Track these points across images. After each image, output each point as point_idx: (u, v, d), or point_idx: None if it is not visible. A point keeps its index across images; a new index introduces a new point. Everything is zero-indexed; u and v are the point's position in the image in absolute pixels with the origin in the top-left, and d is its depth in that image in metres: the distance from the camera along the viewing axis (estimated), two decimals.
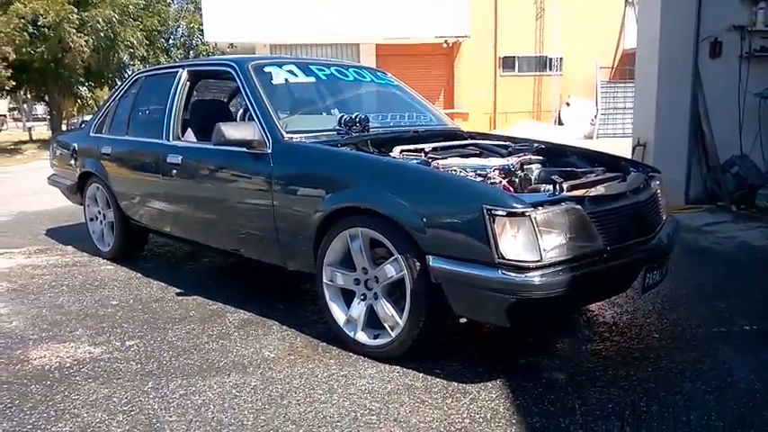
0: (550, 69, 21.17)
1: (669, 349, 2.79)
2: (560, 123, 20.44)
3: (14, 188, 9.59)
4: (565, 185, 2.53)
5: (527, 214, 2.24)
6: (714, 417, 2.17)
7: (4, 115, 36.81)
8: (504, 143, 3.56)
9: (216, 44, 20.26)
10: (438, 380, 2.50)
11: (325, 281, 2.87)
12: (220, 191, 3.48)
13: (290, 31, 17.25)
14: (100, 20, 17.69)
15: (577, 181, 2.75)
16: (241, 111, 3.84)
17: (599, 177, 2.89)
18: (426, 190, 2.56)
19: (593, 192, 2.62)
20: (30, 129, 26.51)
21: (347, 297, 2.84)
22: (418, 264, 2.47)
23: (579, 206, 2.38)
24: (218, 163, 3.47)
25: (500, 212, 2.25)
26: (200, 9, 20.62)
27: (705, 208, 5.99)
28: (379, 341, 2.69)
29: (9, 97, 25.95)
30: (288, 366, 2.67)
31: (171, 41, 25.85)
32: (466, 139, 3.66)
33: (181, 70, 4.06)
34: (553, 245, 2.28)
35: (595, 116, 19.01)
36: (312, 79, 3.75)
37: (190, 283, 3.97)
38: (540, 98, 21.49)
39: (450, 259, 2.38)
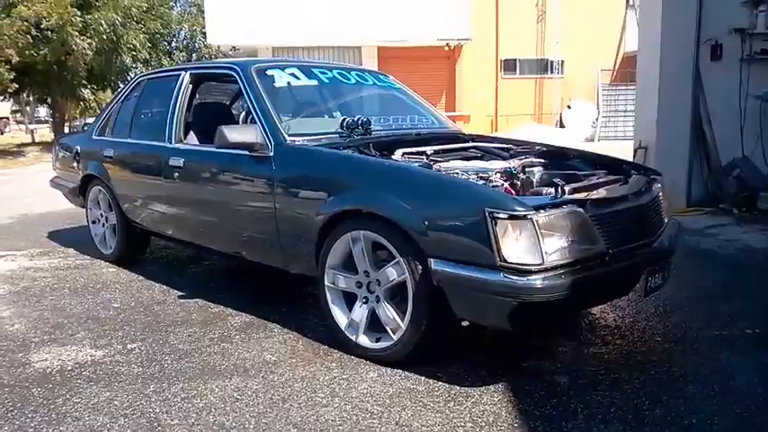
0: (552, 72, 21.16)
1: (671, 352, 2.79)
2: (562, 126, 20.41)
3: (17, 190, 9.60)
4: (567, 188, 2.52)
5: (529, 217, 2.24)
6: (717, 420, 2.17)
7: (7, 118, 36.83)
8: (505, 146, 3.56)
9: (218, 47, 20.29)
10: (440, 383, 2.50)
11: (326, 284, 2.87)
12: (222, 194, 3.48)
13: (293, 34, 17.26)
14: (103, 23, 17.70)
15: (579, 184, 2.74)
16: (243, 114, 3.86)
17: (601, 180, 2.89)
18: (428, 193, 2.56)
19: (594, 195, 2.62)
20: (32, 131, 26.50)
21: (349, 300, 2.84)
22: (420, 267, 2.47)
23: (581, 209, 2.38)
24: (221, 166, 3.47)
25: (502, 215, 2.25)
26: (203, 12, 20.62)
27: (707, 210, 5.98)
28: (381, 344, 2.69)
29: (12, 100, 25.96)
30: (289, 370, 2.67)
31: (173, 44, 25.85)
32: (468, 141, 3.66)
33: (183, 73, 4.07)
34: (555, 248, 2.28)
35: (597, 119, 19.00)
36: (314, 82, 3.76)
37: (192, 286, 3.97)
38: (542, 101, 21.47)
39: (452, 262, 2.38)
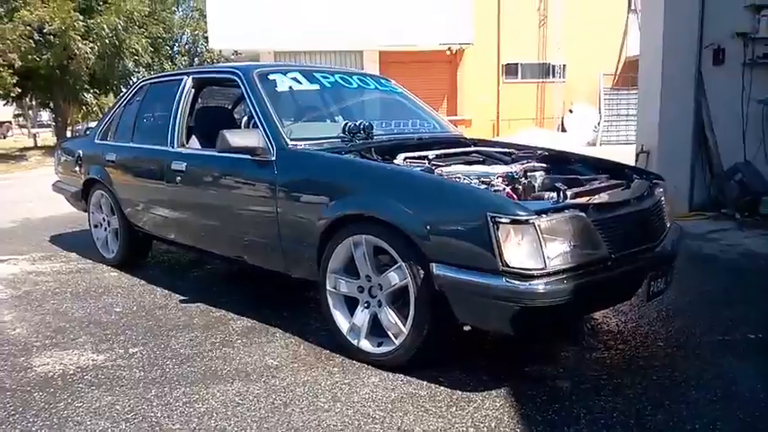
0: (553, 76, 21.18)
1: (674, 357, 2.78)
2: (563, 130, 20.43)
3: (19, 194, 9.62)
4: (569, 193, 2.52)
5: (531, 222, 2.24)
6: (719, 425, 2.16)
7: (10, 122, 36.94)
8: (507, 150, 3.56)
9: (220, 51, 20.35)
10: (442, 388, 2.50)
11: (328, 288, 2.86)
12: (224, 198, 3.48)
13: (294, 38, 17.30)
14: (105, 27, 17.77)
15: (581, 188, 2.73)
16: (245, 118, 3.86)
17: (603, 185, 2.89)
18: (430, 197, 2.56)
19: (596, 199, 2.62)
20: (35, 135, 26.61)
21: (351, 304, 2.84)
22: (422, 271, 2.47)
23: (583, 214, 2.38)
24: (223, 170, 3.48)
25: (504, 220, 2.24)
26: (205, 16, 20.71)
27: (709, 215, 5.97)
28: (383, 349, 2.69)
29: (14, 104, 26.03)
30: (291, 374, 2.67)
31: (176, 49, 25.93)
32: (469, 146, 3.66)
33: (185, 77, 4.07)
34: (557, 252, 2.28)
35: (598, 123, 19.00)
36: (316, 87, 3.76)
37: (193, 291, 3.97)
38: (544, 105, 21.49)
39: (454, 267, 2.38)
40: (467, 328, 2.61)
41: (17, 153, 19.63)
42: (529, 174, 2.98)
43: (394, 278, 2.59)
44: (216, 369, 2.75)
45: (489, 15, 20.01)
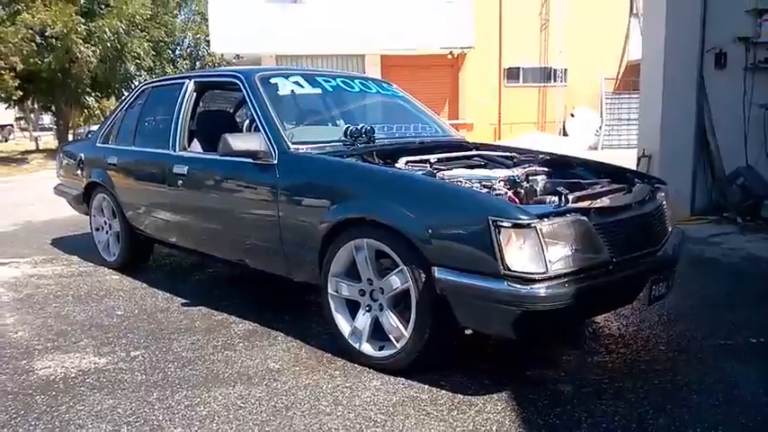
0: (555, 80, 21.19)
1: (675, 361, 2.78)
2: (565, 134, 20.43)
3: (21, 197, 9.63)
4: (570, 197, 2.53)
5: (533, 226, 2.24)
6: (721, 430, 2.16)
7: (11, 125, 36.99)
8: (509, 154, 3.56)
9: (222, 55, 20.34)
10: (443, 392, 2.50)
11: (330, 292, 2.86)
12: (226, 201, 3.49)
13: (296, 42, 17.32)
14: (107, 30, 17.79)
15: (583, 192, 2.74)
16: (247, 122, 3.87)
17: (604, 189, 2.89)
18: (432, 201, 2.56)
19: (598, 203, 2.62)
20: (36, 138, 26.63)
21: (352, 308, 2.84)
22: (424, 275, 2.47)
23: (585, 218, 2.38)
24: (224, 174, 3.48)
25: (506, 224, 2.25)
26: (207, 20, 20.73)
27: (711, 219, 5.97)
28: (385, 353, 2.69)
29: (16, 107, 26.08)
30: (292, 378, 2.67)
31: (177, 52, 25.91)
32: (471, 150, 3.66)
33: (187, 81, 4.08)
34: (559, 256, 2.28)
35: (600, 127, 19.00)
36: (318, 90, 3.77)
37: (195, 294, 3.97)
38: (545, 109, 21.50)
39: (456, 270, 2.38)
40: (468, 331, 2.61)
41: (19, 156, 19.64)
42: (530, 178, 2.99)
43: (395, 282, 2.59)
44: (218, 372, 2.75)
45: (491, 19, 20.04)
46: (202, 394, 2.53)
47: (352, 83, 3.99)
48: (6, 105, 22.44)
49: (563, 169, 3.30)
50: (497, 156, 3.54)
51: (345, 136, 3.34)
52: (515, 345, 2.94)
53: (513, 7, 20.24)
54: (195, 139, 4.00)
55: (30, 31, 16.18)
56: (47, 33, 16.57)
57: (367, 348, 2.74)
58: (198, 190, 3.69)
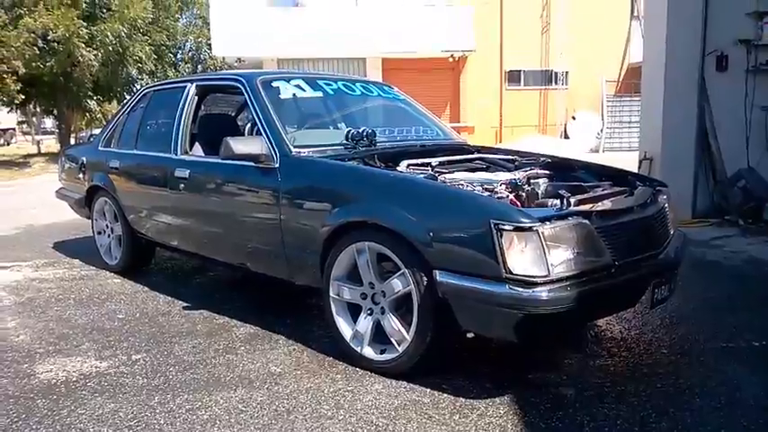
0: (556, 83, 21.17)
1: (678, 365, 2.78)
2: (566, 137, 20.40)
3: (23, 201, 9.65)
4: (572, 200, 2.52)
5: (534, 229, 2.24)
6: None
7: (13, 129, 37.07)
8: (510, 157, 3.56)
9: (224, 59, 20.39)
10: (445, 395, 2.49)
11: (331, 295, 2.86)
12: (228, 205, 3.49)
13: (297, 45, 17.33)
14: (109, 34, 17.86)
15: (585, 195, 2.73)
16: (249, 125, 3.86)
17: (606, 192, 2.89)
18: (433, 204, 2.56)
19: (600, 206, 2.61)
20: (38, 142, 26.71)
21: (354, 312, 2.83)
22: (425, 278, 2.47)
23: (587, 221, 2.38)
24: (226, 177, 3.49)
25: (507, 227, 2.24)
26: (208, 24, 20.78)
27: (712, 222, 5.96)
28: (386, 356, 2.68)
29: (18, 111, 26.15)
30: (294, 381, 2.66)
31: (179, 56, 26.01)
32: (472, 153, 3.67)
33: (189, 85, 4.09)
34: (561, 260, 2.27)
35: (601, 130, 19.00)
36: (319, 94, 3.77)
37: (196, 297, 3.97)
38: (546, 112, 21.48)
39: (458, 274, 2.37)
40: (470, 335, 2.61)
41: (21, 160, 19.69)
42: (532, 181, 2.98)
43: (397, 285, 2.59)
44: (219, 376, 2.75)
45: (492, 22, 20.04)
46: (204, 398, 2.53)
47: (353, 86, 3.99)
48: (8, 109, 22.52)
49: (565, 172, 3.30)
50: (499, 159, 3.54)
51: (347, 139, 3.35)
52: (517, 348, 2.94)
53: (513, 10, 20.23)
54: (197, 143, 4.00)
55: (32, 35, 16.25)
56: (49, 37, 16.63)
57: (369, 352, 2.74)
58: (200, 193, 3.69)
